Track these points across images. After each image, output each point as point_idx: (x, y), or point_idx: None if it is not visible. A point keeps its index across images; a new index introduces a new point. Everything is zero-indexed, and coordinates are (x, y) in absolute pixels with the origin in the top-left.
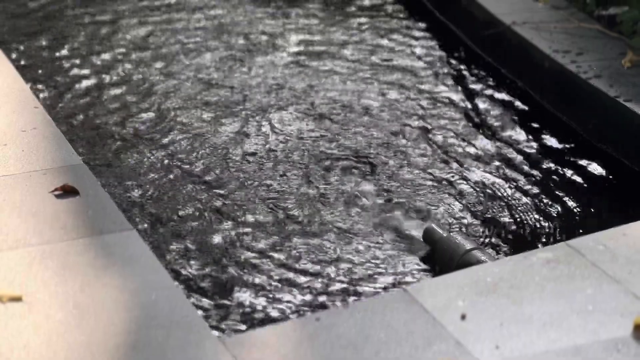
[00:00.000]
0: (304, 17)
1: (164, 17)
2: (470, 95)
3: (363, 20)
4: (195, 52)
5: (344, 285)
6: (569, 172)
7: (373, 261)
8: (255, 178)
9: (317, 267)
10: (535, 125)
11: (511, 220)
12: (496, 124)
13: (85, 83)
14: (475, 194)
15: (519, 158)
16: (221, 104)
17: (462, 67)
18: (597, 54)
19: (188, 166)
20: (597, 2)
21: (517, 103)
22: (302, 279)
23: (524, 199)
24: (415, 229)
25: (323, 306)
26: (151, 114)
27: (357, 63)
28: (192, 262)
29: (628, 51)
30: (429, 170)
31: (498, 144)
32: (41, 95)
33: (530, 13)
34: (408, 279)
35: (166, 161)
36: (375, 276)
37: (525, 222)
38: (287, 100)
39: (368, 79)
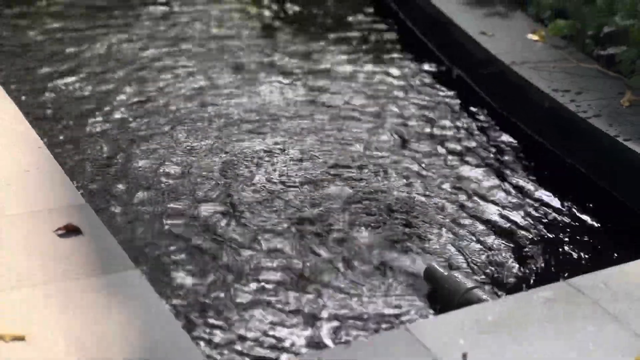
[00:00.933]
0: None
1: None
2: (468, 132)
3: (368, 64)
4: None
5: (345, 323)
6: (568, 210)
7: (375, 299)
8: (263, 216)
9: (318, 305)
10: (534, 163)
11: (511, 258)
12: (495, 162)
13: (92, 123)
14: (475, 232)
15: (519, 196)
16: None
17: (461, 104)
18: (596, 93)
19: (194, 212)
20: (595, 41)
21: (516, 141)
22: (303, 316)
23: (524, 237)
24: (416, 267)
25: (324, 344)
26: (155, 154)
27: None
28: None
29: (627, 90)
30: (428, 209)
31: (498, 181)
32: (44, 130)
33: (530, 53)
34: (410, 317)
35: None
36: (377, 314)
37: (525, 260)
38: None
39: (361, 115)
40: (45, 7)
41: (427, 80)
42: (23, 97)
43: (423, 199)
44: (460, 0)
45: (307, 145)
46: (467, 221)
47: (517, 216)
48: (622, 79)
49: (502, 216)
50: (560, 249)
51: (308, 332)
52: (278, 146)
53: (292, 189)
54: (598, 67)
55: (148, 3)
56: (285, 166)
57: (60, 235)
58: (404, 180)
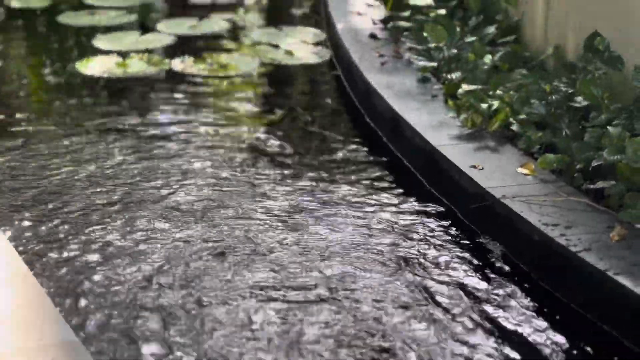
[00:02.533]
0: None
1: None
2: (459, 269)
3: (358, 198)
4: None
5: None
6: (559, 347)
7: None
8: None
9: None
10: (525, 299)
11: None
12: (485, 296)
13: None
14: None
15: (511, 332)
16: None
17: (451, 239)
18: (585, 228)
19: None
20: (584, 176)
21: (506, 276)
22: None
23: None
24: None
25: None
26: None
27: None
28: None
29: (616, 225)
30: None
31: (488, 321)
32: (36, 266)
33: (520, 187)
34: None
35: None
36: None
37: None
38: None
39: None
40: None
41: (416, 212)
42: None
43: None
44: (451, 135)
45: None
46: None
47: (509, 351)
48: (611, 214)
49: (495, 355)
50: None
51: None
52: None
53: None
54: (587, 201)
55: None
56: None
57: None
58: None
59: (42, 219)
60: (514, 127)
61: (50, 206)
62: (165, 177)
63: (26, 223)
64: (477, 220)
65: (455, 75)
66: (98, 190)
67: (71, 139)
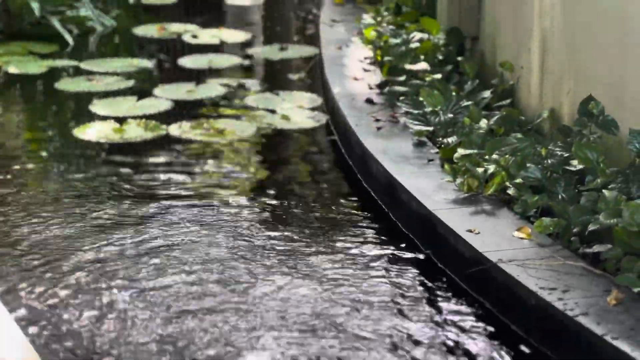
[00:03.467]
0: None
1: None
2: (455, 331)
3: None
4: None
5: None
6: None
7: None
8: None
9: None
10: None
11: None
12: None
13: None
14: None
15: None
16: None
17: (447, 305)
18: (582, 292)
19: None
20: (581, 239)
21: (502, 339)
22: None
23: None
24: None
25: None
26: None
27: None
28: None
29: (613, 289)
30: None
31: None
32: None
33: (516, 251)
34: None
35: None
36: None
37: None
38: None
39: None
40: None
41: (411, 275)
42: None
43: None
44: (448, 199)
45: None
46: None
47: None
48: (608, 277)
49: None
50: None
51: None
52: None
53: None
54: (584, 265)
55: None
56: None
57: None
58: None
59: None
60: (510, 191)
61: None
62: (157, 252)
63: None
64: (474, 285)
65: (451, 140)
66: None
67: (65, 203)
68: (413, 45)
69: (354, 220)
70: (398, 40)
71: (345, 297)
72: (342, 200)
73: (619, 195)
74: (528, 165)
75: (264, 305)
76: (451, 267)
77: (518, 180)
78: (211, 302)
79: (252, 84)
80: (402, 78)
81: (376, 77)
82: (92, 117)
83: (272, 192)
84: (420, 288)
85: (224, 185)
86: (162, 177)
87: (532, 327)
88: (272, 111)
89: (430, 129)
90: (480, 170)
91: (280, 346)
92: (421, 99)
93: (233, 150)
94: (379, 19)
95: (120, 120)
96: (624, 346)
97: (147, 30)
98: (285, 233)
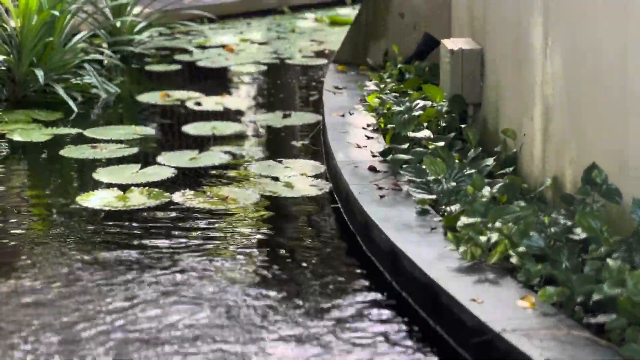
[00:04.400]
0: None
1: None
2: None
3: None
4: None
5: None
6: None
7: None
8: None
9: None
10: None
11: None
12: None
13: None
14: None
15: None
16: None
17: None
18: None
19: None
20: (585, 309)
21: None
22: None
23: None
24: None
25: None
26: None
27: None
28: None
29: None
30: None
31: None
32: None
33: (520, 320)
34: None
35: None
36: None
37: None
38: None
39: None
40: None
41: (413, 343)
42: None
43: None
44: (451, 267)
45: None
46: None
47: None
48: (613, 348)
49: None
50: None
51: None
52: None
53: None
54: (589, 335)
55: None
56: None
57: None
58: None
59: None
60: (513, 260)
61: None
62: (156, 323)
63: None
64: (478, 355)
65: (454, 208)
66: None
67: (65, 271)
68: (416, 112)
69: (356, 289)
70: (401, 108)
71: None
72: (344, 268)
73: (623, 265)
74: (531, 233)
75: None
76: (454, 336)
77: (521, 249)
78: None
79: (255, 151)
80: (405, 146)
81: (379, 144)
82: (96, 184)
83: (273, 259)
84: (422, 357)
85: (225, 253)
86: (164, 244)
87: None
88: (276, 179)
89: (433, 197)
90: (483, 238)
91: None
92: (424, 167)
93: (236, 218)
94: (382, 85)
95: (124, 187)
96: None
97: (151, 97)
98: (285, 300)
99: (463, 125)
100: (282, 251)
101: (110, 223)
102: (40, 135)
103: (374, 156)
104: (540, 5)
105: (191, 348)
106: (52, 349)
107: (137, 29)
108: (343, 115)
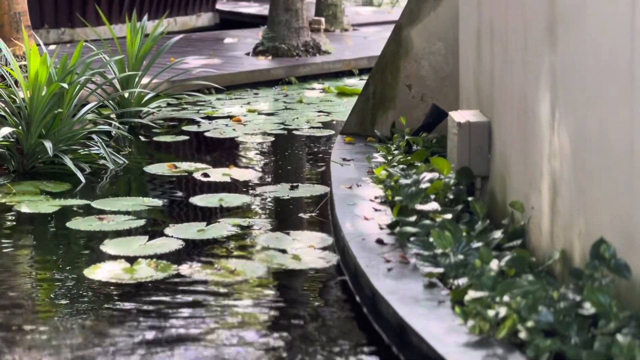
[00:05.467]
0: None
1: None
2: None
3: None
4: None
5: None
6: None
7: None
8: None
9: None
10: None
11: None
12: None
13: None
14: None
15: None
16: None
17: None
18: None
19: None
20: None
21: None
22: None
23: None
24: None
25: None
26: None
27: None
28: None
29: None
30: None
31: None
32: None
33: None
34: None
35: None
36: None
37: None
38: None
39: None
40: None
41: None
42: None
43: None
44: (459, 342)
45: None
46: None
47: None
48: None
49: None
50: None
51: None
52: None
53: None
54: None
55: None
56: None
57: None
58: None
59: None
60: (522, 335)
61: None
62: None
63: None
64: None
65: (462, 282)
66: None
67: (71, 344)
68: (423, 185)
69: None
70: (408, 181)
71: None
72: (351, 342)
73: (633, 341)
74: (540, 308)
75: None
76: None
77: (530, 324)
78: None
79: (263, 223)
80: (413, 218)
81: (387, 217)
82: (103, 256)
83: (280, 331)
84: None
85: (232, 325)
86: (172, 317)
87: None
88: (283, 251)
89: (441, 270)
90: (491, 313)
91: None
92: (431, 239)
93: (243, 291)
94: (389, 157)
95: (131, 259)
96: None
97: (159, 169)
98: None
99: (470, 198)
100: (289, 324)
101: (117, 296)
102: (48, 206)
103: (381, 229)
104: (547, 80)
105: None
106: None
107: (145, 99)
108: (350, 187)
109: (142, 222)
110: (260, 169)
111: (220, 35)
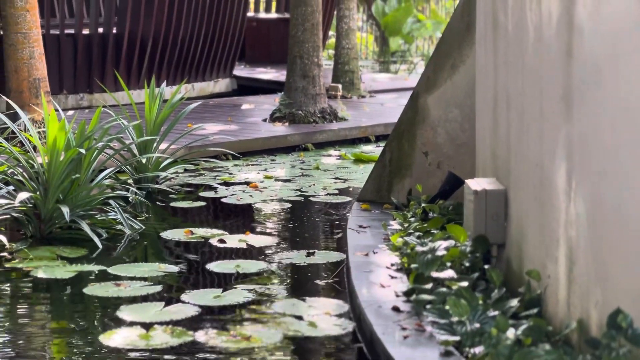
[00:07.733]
0: None
1: None
2: None
3: None
4: None
5: None
6: None
7: None
8: None
9: None
10: None
11: None
12: None
13: None
14: None
15: None
16: None
17: None
18: None
19: None
20: None
21: None
22: None
23: None
24: None
25: None
26: None
27: None
28: None
29: None
30: None
31: None
32: None
33: None
34: None
35: None
36: None
37: None
38: None
39: None
40: None
41: None
42: None
43: None
44: None
45: None
46: None
47: None
48: None
49: None
50: None
51: None
52: None
53: None
54: None
55: None
56: None
57: None
58: None
59: None
60: None
61: None
62: None
63: None
64: None
65: (478, 350)
66: None
67: None
68: (439, 253)
69: None
70: (424, 248)
71: None
72: None
73: None
74: None
75: None
76: None
77: None
78: None
79: (279, 290)
80: (429, 286)
81: (403, 284)
82: (119, 323)
83: None
84: None
85: None
86: None
87: None
88: (299, 317)
89: (457, 338)
90: None
91: None
92: (448, 307)
93: (259, 358)
94: (405, 225)
95: (147, 326)
96: None
97: (175, 234)
98: None
99: (487, 266)
100: None
101: None
102: (65, 272)
103: (397, 296)
104: (563, 149)
105: None
106: None
107: (162, 165)
108: (367, 255)
109: (158, 288)
110: (276, 235)
111: (238, 102)
